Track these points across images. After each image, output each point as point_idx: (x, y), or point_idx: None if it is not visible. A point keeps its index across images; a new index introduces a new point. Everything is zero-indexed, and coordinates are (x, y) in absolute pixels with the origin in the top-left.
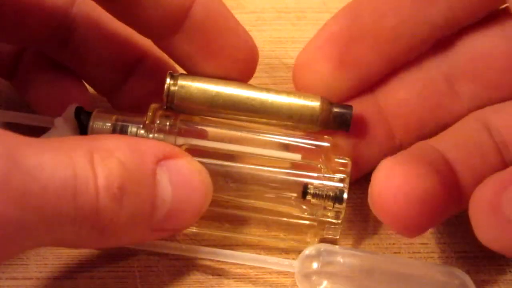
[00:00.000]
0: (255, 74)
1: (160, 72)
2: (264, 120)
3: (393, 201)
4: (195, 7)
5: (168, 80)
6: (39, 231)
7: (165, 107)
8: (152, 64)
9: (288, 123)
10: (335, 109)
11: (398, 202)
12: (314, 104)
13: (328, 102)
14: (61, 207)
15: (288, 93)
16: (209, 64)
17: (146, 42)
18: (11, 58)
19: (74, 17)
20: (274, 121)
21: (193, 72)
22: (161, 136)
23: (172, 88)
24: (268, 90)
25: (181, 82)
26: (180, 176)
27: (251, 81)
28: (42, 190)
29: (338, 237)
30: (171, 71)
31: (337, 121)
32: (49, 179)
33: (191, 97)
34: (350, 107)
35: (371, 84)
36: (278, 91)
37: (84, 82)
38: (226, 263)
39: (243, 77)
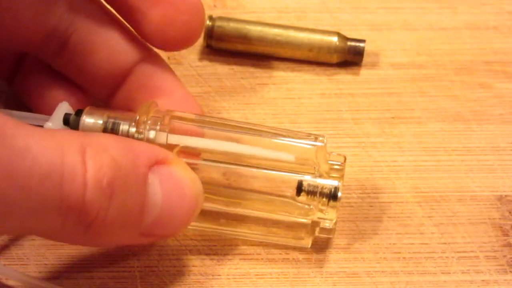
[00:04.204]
0: (256, 74)
1: (156, 75)
2: (288, 53)
3: None
4: None
5: (208, 21)
6: (24, 212)
7: (205, 45)
8: (149, 67)
9: (310, 54)
10: (350, 43)
11: None
12: (331, 38)
13: (344, 37)
14: (46, 192)
15: (309, 29)
16: (152, 13)
17: (143, 46)
18: (13, 60)
19: (70, 22)
20: (297, 54)
21: (138, 22)
22: (153, 133)
23: (211, 27)
24: (291, 27)
25: (218, 23)
26: (172, 183)
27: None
28: (27, 170)
29: (332, 236)
30: (211, 14)
31: (351, 53)
32: (35, 160)
33: (228, 34)
34: (364, 40)
35: None
36: (300, 28)
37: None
38: (226, 263)
39: (186, 29)
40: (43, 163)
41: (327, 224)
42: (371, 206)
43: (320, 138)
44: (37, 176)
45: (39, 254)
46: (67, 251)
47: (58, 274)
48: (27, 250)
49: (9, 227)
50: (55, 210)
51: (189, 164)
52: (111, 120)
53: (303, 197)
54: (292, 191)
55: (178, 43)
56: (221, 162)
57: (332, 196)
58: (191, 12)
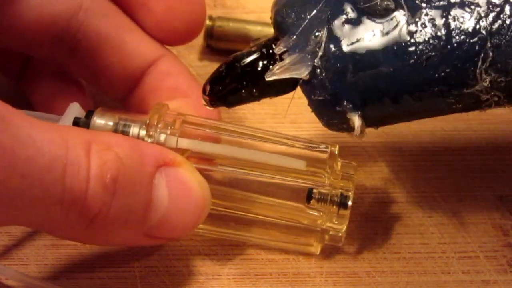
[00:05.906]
0: None
1: (172, 76)
2: None
3: None
4: None
5: (208, 21)
6: (26, 202)
7: (205, 45)
8: (164, 68)
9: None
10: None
11: None
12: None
13: None
14: (48, 184)
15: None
16: (155, 3)
17: (158, 47)
18: (21, 61)
19: (80, 25)
20: None
21: (141, 14)
22: (163, 136)
23: (211, 27)
24: None
25: (218, 23)
26: (179, 185)
27: None
28: (29, 160)
29: (341, 244)
30: (211, 14)
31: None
32: (38, 151)
33: (228, 34)
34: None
35: None
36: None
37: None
38: (226, 263)
39: (189, 20)
40: (46, 154)
41: (336, 233)
42: (371, 206)
43: (332, 148)
44: (39, 166)
45: (39, 254)
46: (67, 251)
47: (58, 274)
48: (27, 250)
49: (11, 217)
50: (57, 202)
51: (201, 169)
52: (122, 122)
53: (313, 205)
54: (302, 199)
55: (181, 36)
56: (231, 168)
57: (342, 204)
58: (193, 3)
